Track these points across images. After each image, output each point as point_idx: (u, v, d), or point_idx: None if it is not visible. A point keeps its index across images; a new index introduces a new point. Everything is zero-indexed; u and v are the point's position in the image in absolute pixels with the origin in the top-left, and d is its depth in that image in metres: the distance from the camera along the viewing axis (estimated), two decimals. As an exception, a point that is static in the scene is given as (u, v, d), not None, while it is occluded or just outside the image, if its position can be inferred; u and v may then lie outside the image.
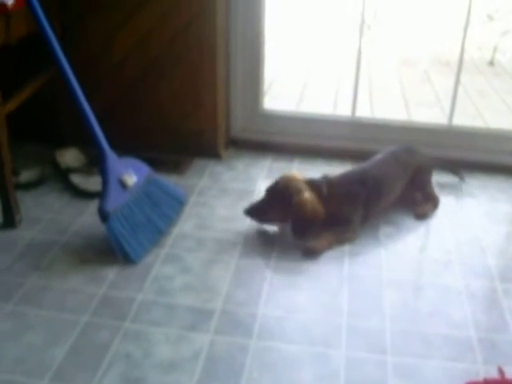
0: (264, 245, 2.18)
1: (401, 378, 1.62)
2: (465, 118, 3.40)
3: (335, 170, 2.70)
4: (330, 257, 2.12)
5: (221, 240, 2.19)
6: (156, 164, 2.37)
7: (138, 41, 2.59)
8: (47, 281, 1.94)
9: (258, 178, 2.65)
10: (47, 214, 2.31)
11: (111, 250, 2.04)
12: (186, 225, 2.27)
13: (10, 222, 2.21)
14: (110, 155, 2.12)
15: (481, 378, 1.61)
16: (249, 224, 2.28)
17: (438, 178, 2.66)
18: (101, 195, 2.07)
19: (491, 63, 4.92)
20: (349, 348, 1.71)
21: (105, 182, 2.08)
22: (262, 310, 1.85)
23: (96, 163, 2.28)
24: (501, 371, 1.63)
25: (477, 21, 4.85)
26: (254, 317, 1.82)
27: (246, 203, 2.34)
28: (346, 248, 2.16)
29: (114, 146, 2.16)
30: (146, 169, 2.23)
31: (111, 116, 2.56)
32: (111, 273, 1.99)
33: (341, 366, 1.65)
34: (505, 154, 2.80)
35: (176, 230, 2.23)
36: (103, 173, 2.10)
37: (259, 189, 2.55)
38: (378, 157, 2.40)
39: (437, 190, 2.56)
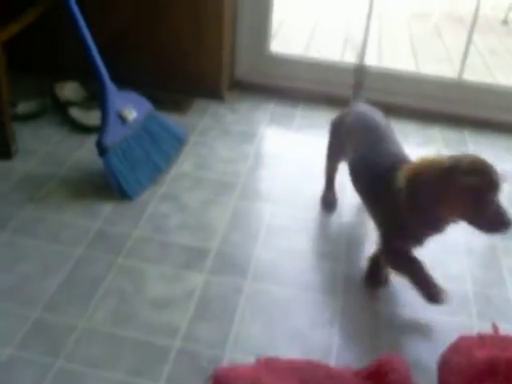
0: (262, 188, 2.15)
1: (395, 329, 1.61)
2: (474, 76, 3.32)
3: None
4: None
5: (220, 181, 2.15)
6: (157, 102, 2.30)
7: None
8: (42, 212, 1.91)
9: (261, 122, 2.60)
10: (44, 146, 2.27)
11: (108, 185, 2.01)
12: (184, 164, 2.23)
13: (6, 153, 2.17)
14: (111, 88, 2.06)
15: (475, 332, 1.60)
16: (249, 166, 2.25)
17: (444, 135, 2.62)
18: (99, 128, 2.02)
19: (505, 22, 4.80)
20: (345, 296, 1.69)
21: (104, 115, 2.03)
22: (257, 252, 1.83)
23: (96, 98, 2.22)
24: (495, 327, 1.62)
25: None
26: (249, 258, 1.80)
27: (247, 147, 2.29)
28: (346, 197, 2.12)
29: (114, 79, 2.09)
30: (146, 105, 2.18)
31: (113, 50, 2.47)
32: (107, 208, 1.96)
33: (336, 313, 1.64)
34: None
35: (175, 169, 2.19)
36: (102, 105, 2.04)
37: (261, 133, 2.50)
38: None
39: (442, 145, 2.53)
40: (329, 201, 2.08)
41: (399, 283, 1.76)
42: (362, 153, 1.77)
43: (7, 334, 1.49)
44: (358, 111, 1.94)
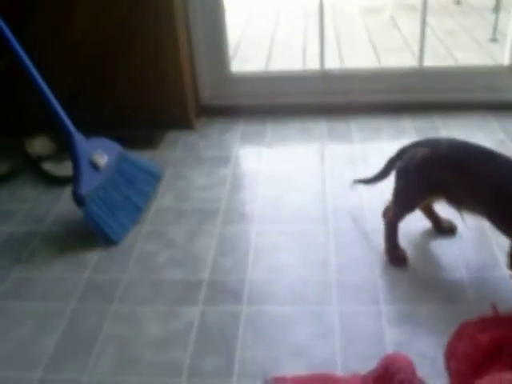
0: (245, 210, 2.15)
1: (397, 326, 1.61)
2: (435, 59, 3.35)
3: (309, 126, 2.68)
4: (314, 213, 2.09)
5: (201, 210, 2.15)
6: (128, 141, 2.30)
7: (94, 17, 2.51)
8: (30, 272, 1.90)
9: (233, 144, 2.61)
10: (23, 205, 2.26)
11: (91, 234, 2.00)
12: (164, 199, 2.23)
13: (-15, 218, 2.16)
14: (78, 137, 2.06)
15: (475, 316, 1.60)
16: (228, 189, 2.25)
17: (415, 124, 2.64)
18: (73, 179, 2.02)
19: (458, 2, 4.86)
20: (341, 303, 1.69)
21: (76, 166, 2.03)
22: (249, 274, 1.83)
23: (65, 149, 2.22)
24: (494, 308, 1.62)
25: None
26: (243, 282, 1.79)
27: (223, 170, 2.29)
28: (329, 203, 2.13)
29: (80, 127, 2.09)
30: (116, 147, 2.18)
31: (74, 98, 2.48)
32: (94, 256, 1.95)
33: (335, 322, 1.64)
34: (479, 90, 2.76)
35: (155, 206, 2.19)
36: (73, 156, 2.04)
37: (235, 154, 2.51)
38: None
39: (415, 134, 2.55)
40: (402, 256, 1.86)
41: (394, 280, 1.77)
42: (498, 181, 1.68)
43: (12, 401, 1.48)
44: (451, 143, 1.81)
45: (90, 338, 1.63)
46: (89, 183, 2.01)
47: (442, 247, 1.90)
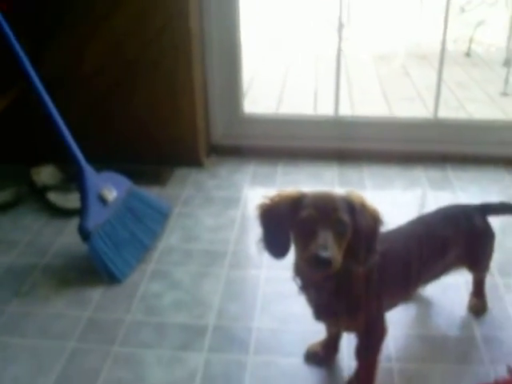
0: (254, 253, 2.09)
1: (408, 386, 1.55)
2: (447, 111, 3.34)
3: (320, 171, 2.65)
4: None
5: (209, 251, 2.10)
6: (136, 176, 2.27)
7: (109, 50, 2.49)
8: (29, 307, 1.84)
9: (243, 185, 2.57)
10: (25, 235, 2.21)
11: (95, 270, 1.95)
12: (171, 238, 2.18)
13: (-13, 247, 2.10)
14: (88, 170, 2.03)
15: (491, 379, 1.55)
16: (237, 232, 2.20)
17: (427, 174, 2.61)
18: (80, 213, 1.97)
19: (468, 54, 4.89)
20: (350, 356, 1.62)
21: (84, 199, 1.98)
22: (256, 323, 1.77)
23: (73, 179, 2.18)
24: (510, 370, 1.56)
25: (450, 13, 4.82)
26: (249, 331, 1.73)
27: (233, 211, 2.25)
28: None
29: (91, 160, 2.06)
30: (126, 182, 2.14)
31: (86, 129, 2.45)
32: (96, 294, 1.89)
33: (343, 374, 1.58)
34: (492, 144, 2.75)
35: (162, 244, 2.14)
36: (82, 189, 2.00)
37: (245, 196, 2.47)
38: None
39: (428, 185, 2.52)
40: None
41: (404, 337, 1.71)
42: None
43: None
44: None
45: (89, 380, 1.57)
46: (96, 218, 1.96)
47: (454, 304, 1.84)
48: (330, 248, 1.22)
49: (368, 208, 1.33)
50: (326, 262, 1.22)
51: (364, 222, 1.31)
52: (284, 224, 1.32)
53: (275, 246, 1.35)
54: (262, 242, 1.35)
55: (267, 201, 1.36)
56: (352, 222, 1.28)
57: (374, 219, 1.33)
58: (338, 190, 2.51)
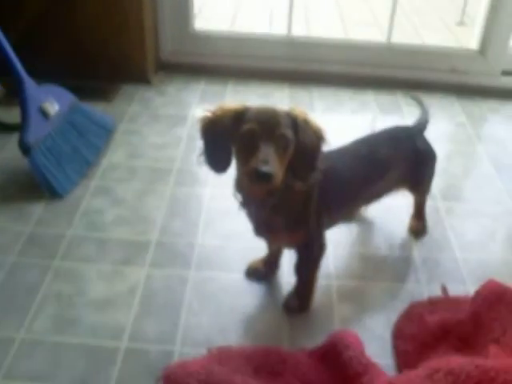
0: (200, 172, 2.08)
1: (346, 301, 1.59)
2: (403, 37, 3.31)
3: (271, 92, 2.62)
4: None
5: (154, 168, 2.08)
6: (82, 92, 2.20)
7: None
8: (-33, 220, 1.80)
9: (191, 103, 2.52)
10: (-36, 150, 2.14)
11: (36, 185, 1.91)
12: (115, 154, 2.14)
13: None
14: (29, 83, 1.95)
15: (425, 297, 1.59)
16: (183, 150, 2.18)
17: (378, 99, 2.61)
18: (21, 126, 1.91)
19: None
20: (290, 273, 1.65)
21: (24, 112, 1.92)
22: (199, 239, 1.77)
23: (15, 94, 2.09)
24: (444, 290, 1.61)
25: None
26: (192, 247, 1.74)
27: (179, 130, 2.21)
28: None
29: (33, 74, 1.98)
30: (69, 96, 2.07)
31: (29, 42, 2.35)
32: (38, 209, 1.86)
33: (283, 290, 1.60)
34: (444, 71, 2.75)
35: (105, 161, 2.10)
36: (22, 102, 1.93)
37: (192, 114, 2.43)
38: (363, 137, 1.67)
39: (377, 109, 2.52)
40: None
41: (345, 257, 1.74)
42: None
43: None
44: None
45: (28, 294, 1.56)
46: (37, 132, 1.91)
47: (395, 225, 1.88)
48: (271, 163, 1.22)
49: (311, 125, 1.32)
50: (267, 177, 1.21)
51: (307, 138, 1.30)
52: (226, 138, 1.30)
53: (216, 160, 1.34)
54: (203, 155, 1.34)
55: (209, 114, 1.33)
56: (294, 138, 1.27)
57: (317, 136, 1.33)
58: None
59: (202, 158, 1.34)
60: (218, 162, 1.34)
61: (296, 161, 1.29)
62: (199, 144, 1.34)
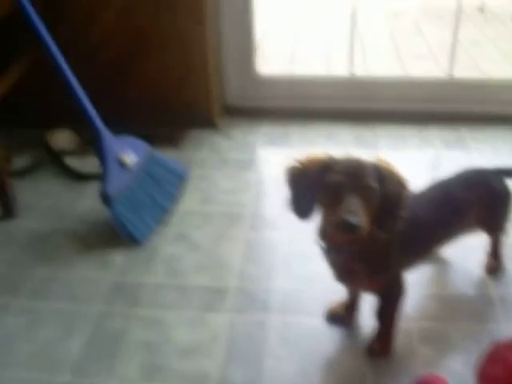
0: (273, 215, 2.12)
1: (428, 344, 1.59)
2: (461, 70, 3.31)
3: (335, 131, 2.65)
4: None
5: (227, 213, 2.13)
6: (151, 139, 2.27)
7: (122, 13, 2.47)
8: (53, 271, 1.88)
9: (258, 146, 2.58)
10: (45, 200, 2.23)
11: (115, 233, 1.99)
12: (189, 201, 2.20)
13: (9, 213, 2.13)
14: (106, 134, 2.04)
15: (504, 336, 1.57)
16: (254, 193, 2.22)
17: (442, 135, 2.61)
18: (101, 178, 1.99)
19: (481, 9, 4.81)
20: (370, 317, 1.66)
21: (103, 164, 2.00)
22: (277, 283, 1.80)
23: (89, 143, 2.19)
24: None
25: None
26: (271, 290, 1.77)
27: (248, 173, 2.26)
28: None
29: (106, 124, 2.07)
30: (144, 146, 2.15)
31: (101, 94, 2.45)
32: (118, 257, 1.93)
33: (364, 334, 1.61)
34: (508, 103, 2.73)
35: (180, 207, 2.16)
36: (101, 154, 2.02)
37: (259, 157, 2.48)
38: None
39: (442, 145, 2.52)
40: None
41: (421, 297, 1.74)
42: None
43: (38, 404, 1.45)
44: None
45: (116, 342, 1.61)
46: (116, 182, 1.99)
47: (471, 264, 1.87)
48: (358, 213, 1.25)
49: (395, 175, 1.35)
50: (355, 228, 1.25)
51: (391, 189, 1.33)
52: (312, 188, 1.34)
53: (302, 207, 1.38)
54: (289, 203, 1.38)
55: (297, 164, 1.38)
56: (379, 189, 1.30)
57: (401, 187, 1.36)
58: (353, 150, 2.52)
59: (288, 206, 1.38)
60: (303, 210, 1.38)
61: (381, 211, 1.32)
62: (284, 192, 1.39)
